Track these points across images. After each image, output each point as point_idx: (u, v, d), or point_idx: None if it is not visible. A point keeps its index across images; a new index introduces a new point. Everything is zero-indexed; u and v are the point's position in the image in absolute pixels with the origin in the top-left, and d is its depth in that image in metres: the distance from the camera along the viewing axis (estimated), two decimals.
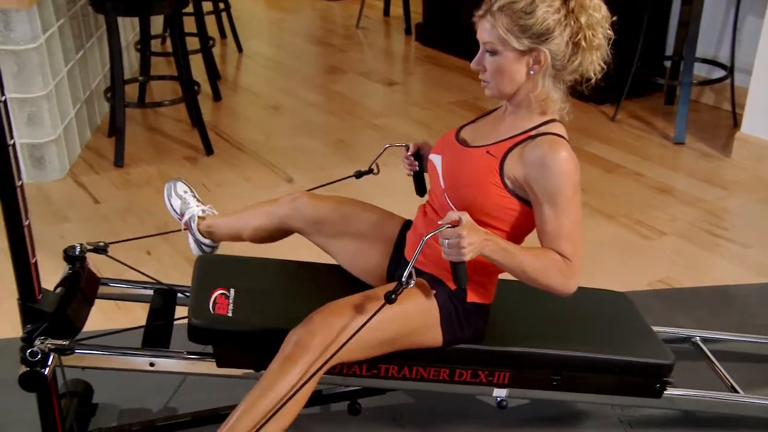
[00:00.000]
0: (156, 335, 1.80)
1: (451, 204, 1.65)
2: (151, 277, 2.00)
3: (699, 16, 3.65)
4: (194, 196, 2.13)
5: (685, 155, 3.63)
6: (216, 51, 4.77)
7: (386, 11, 5.98)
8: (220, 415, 1.84)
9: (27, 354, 1.57)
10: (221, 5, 5.06)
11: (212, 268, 1.91)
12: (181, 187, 2.15)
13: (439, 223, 1.51)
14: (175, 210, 2.12)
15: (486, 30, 1.58)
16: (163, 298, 1.95)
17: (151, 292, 1.98)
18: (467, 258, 1.49)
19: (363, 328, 1.55)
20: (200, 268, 1.90)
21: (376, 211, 1.92)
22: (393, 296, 1.51)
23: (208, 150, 3.58)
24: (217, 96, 4.27)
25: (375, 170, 2.04)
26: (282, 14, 6.23)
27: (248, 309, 1.72)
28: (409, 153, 1.92)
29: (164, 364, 1.70)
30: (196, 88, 3.66)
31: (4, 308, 2.40)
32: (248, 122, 4.08)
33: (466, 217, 1.50)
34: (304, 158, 3.56)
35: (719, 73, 3.98)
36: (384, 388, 1.89)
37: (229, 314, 1.70)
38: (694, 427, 2.00)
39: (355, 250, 1.88)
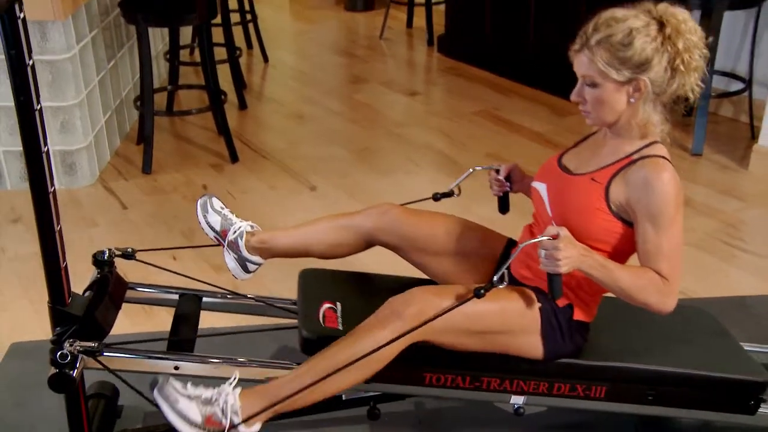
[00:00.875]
0: (181, 340, 1.84)
1: None
2: (196, 278, 2.00)
3: (718, 29, 3.64)
4: (231, 212, 1.97)
5: (703, 167, 3.63)
6: (242, 61, 4.83)
7: (409, 23, 6.02)
8: None
9: (56, 356, 1.60)
10: (248, 16, 5.13)
11: (316, 282, 1.95)
12: (217, 203, 1.96)
13: (538, 236, 1.55)
14: (213, 228, 1.93)
15: (584, 63, 1.59)
16: (189, 303, 1.98)
17: (176, 296, 2.01)
18: (563, 270, 1.53)
19: (458, 314, 1.60)
20: (304, 282, 1.94)
21: (480, 228, 1.92)
22: (482, 291, 1.57)
23: (234, 158, 3.64)
24: (242, 105, 4.33)
25: (456, 192, 2.02)
26: (307, 25, 6.29)
27: (357, 323, 1.72)
28: (501, 176, 1.93)
29: (188, 368, 1.73)
30: (222, 97, 3.73)
31: (35, 311, 2.47)
32: (273, 131, 4.14)
33: (564, 231, 1.54)
34: (327, 166, 3.61)
35: (737, 85, 3.97)
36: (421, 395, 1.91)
37: (340, 327, 1.75)
38: None
39: (458, 268, 1.88)
